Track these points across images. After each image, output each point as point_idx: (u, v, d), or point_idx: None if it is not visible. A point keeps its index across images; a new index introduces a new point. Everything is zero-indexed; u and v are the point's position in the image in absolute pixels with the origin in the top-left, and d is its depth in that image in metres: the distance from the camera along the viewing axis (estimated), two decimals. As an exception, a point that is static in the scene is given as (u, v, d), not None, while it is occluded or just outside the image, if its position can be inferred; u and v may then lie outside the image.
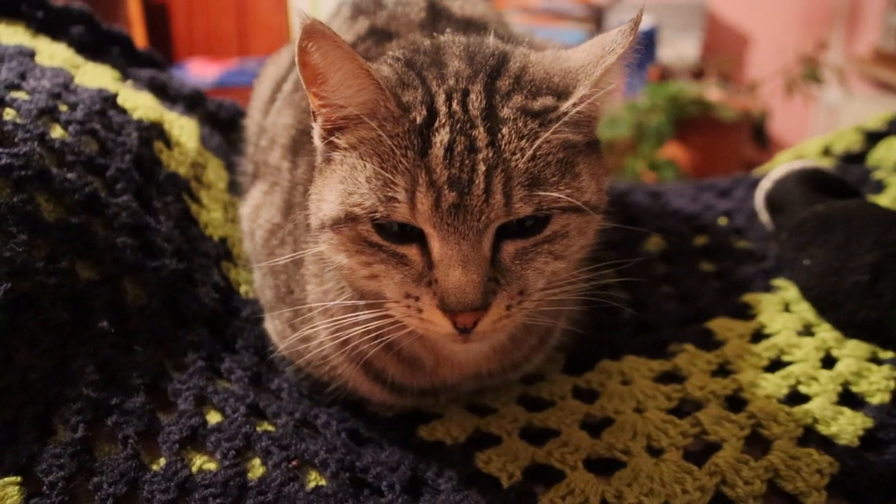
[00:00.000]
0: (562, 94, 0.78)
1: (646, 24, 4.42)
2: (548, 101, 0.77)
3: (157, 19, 5.00)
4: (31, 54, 1.22)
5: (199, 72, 4.37)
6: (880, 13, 4.20)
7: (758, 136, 4.12)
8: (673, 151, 3.75)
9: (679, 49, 4.65)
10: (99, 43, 1.48)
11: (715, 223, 1.43)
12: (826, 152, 1.57)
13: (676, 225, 1.41)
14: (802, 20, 4.47)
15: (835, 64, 3.88)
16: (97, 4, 1.57)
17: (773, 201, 1.29)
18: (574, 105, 0.76)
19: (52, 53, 1.27)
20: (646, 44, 4.43)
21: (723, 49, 4.61)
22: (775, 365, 1.00)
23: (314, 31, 0.72)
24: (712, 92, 3.93)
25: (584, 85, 0.76)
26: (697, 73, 4.41)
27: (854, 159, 1.52)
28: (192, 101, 1.54)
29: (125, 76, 1.41)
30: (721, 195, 1.55)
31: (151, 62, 1.60)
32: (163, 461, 0.83)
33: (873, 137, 1.52)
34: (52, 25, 1.40)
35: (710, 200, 1.52)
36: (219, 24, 5.21)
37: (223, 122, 1.58)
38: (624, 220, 1.38)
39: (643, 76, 4.21)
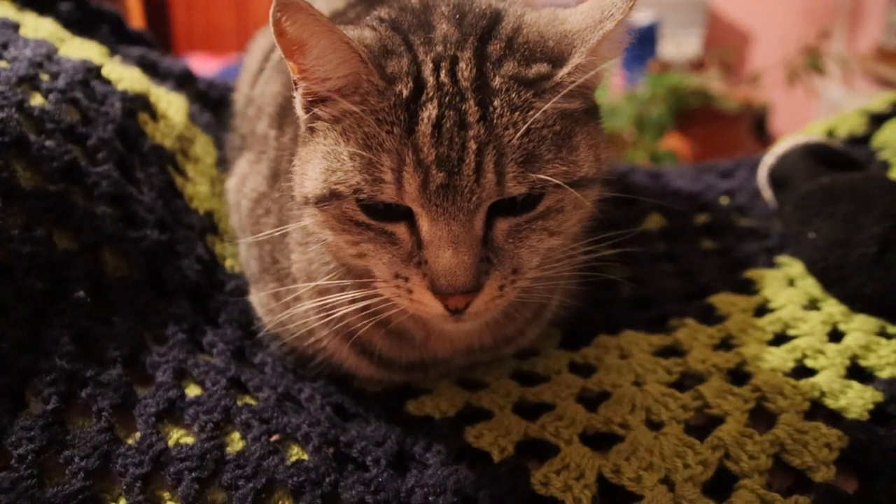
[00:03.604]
0: (556, 60, 0.73)
1: (647, 19, 4.40)
2: (542, 67, 0.72)
3: (157, 14, 4.99)
4: (15, 27, 1.18)
5: (198, 66, 4.34)
6: (882, 10, 4.17)
7: (759, 131, 4.09)
8: (673, 143, 3.71)
9: (680, 45, 4.63)
10: (88, 20, 1.45)
11: (716, 202, 1.39)
12: (829, 135, 1.53)
13: (677, 203, 1.37)
14: (804, 17, 4.44)
15: (837, 54, 3.84)
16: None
17: (776, 177, 1.25)
18: (569, 74, 0.71)
19: (38, 27, 1.23)
20: (647, 39, 4.41)
21: (724, 46, 4.58)
22: (780, 339, 0.96)
23: (287, 3, 0.67)
24: (714, 84, 3.90)
25: (579, 52, 0.72)
26: (698, 65, 4.38)
27: (858, 142, 1.48)
28: (182, 79, 1.50)
29: (114, 53, 1.38)
30: (723, 176, 1.52)
31: (142, 41, 1.57)
32: (138, 434, 0.80)
33: (877, 119, 1.48)
34: (40, 1, 1.36)
35: (711, 181, 1.49)
36: (218, 20, 5.20)
37: (213, 101, 1.55)
38: (623, 199, 1.36)
39: (644, 71, 4.18)
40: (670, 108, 3.50)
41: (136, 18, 4.35)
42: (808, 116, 4.36)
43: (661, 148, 3.55)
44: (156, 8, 4.96)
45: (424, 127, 0.69)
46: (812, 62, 3.53)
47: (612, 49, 0.74)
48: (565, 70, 0.72)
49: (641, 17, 4.39)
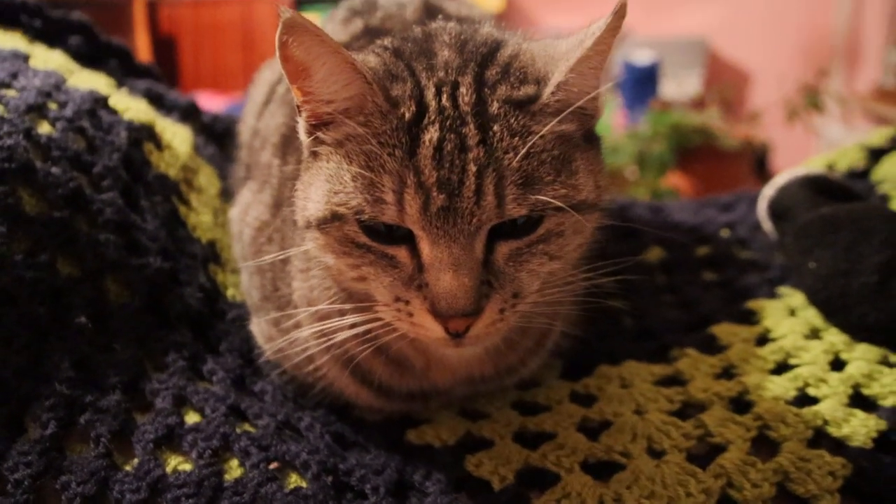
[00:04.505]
0: (541, 80, 0.75)
1: (648, 59, 4.46)
2: (529, 89, 0.74)
3: (165, 53, 5.08)
4: (25, 58, 1.21)
5: (205, 104, 4.39)
6: (879, 50, 4.23)
7: (760, 169, 4.11)
8: (675, 181, 3.73)
9: (681, 85, 4.68)
10: (97, 54, 1.47)
11: (717, 234, 1.40)
12: (829, 170, 1.54)
13: (678, 236, 1.38)
14: (803, 58, 4.50)
15: (836, 92, 3.89)
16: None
17: (776, 208, 1.25)
18: (552, 93, 0.73)
19: (47, 59, 1.26)
20: (648, 79, 4.47)
21: (724, 83, 4.63)
22: (782, 368, 0.96)
23: (294, 25, 0.68)
24: (714, 123, 3.93)
25: (560, 71, 0.73)
26: (699, 104, 4.42)
27: (858, 176, 1.49)
28: (188, 112, 1.52)
29: (121, 85, 1.40)
30: (723, 209, 1.52)
31: (149, 74, 1.59)
32: (136, 461, 0.79)
33: (876, 154, 1.49)
34: (51, 35, 1.39)
35: (711, 214, 1.49)
36: (225, 59, 5.28)
37: (218, 134, 1.57)
38: (623, 232, 1.36)
39: (645, 110, 4.23)
40: (671, 146, 3.52)
41: (144, 56, 4.42)
42: (809, 155, 4.38)
43: (663, 186, 3.56)
44: (164, 46, 5.05)
45: (426, 149, 0.70)
46: (811, 100, 3.57)
47: (594, 67, 0.74)
48: (548, 89, 0.73)
49: (642, 58, 4.46)
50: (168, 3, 5.20)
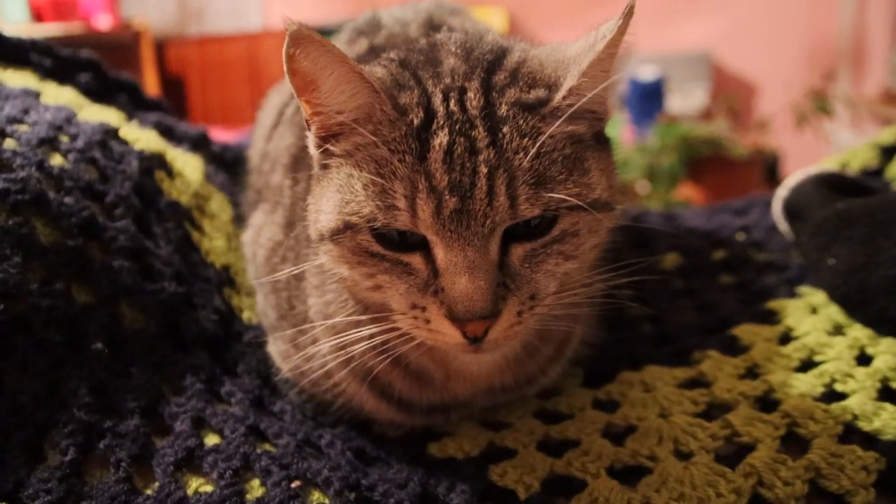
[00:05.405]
0: (553, 85, 0.75)
1: (653, 75, 4.48)
2: (540, 93, 0.74)
3: (174, 91, 5.16)
4: (37, 95, 1.23)
5: (214, 139, 4.44)
6: (885, 53, 4.23)
7: (771, 176, 4.10)
8: (687, 192, 3.73)
9: (686, 98, 4.69)
10: (106, 89, 1.49)
11: (733, 238, 1.38)
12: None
13: (693, 241, 1.37)
14: (808, 64, 4.50)
15: (844, 95, 3.88)
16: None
17: (791, 208, 1.24)
18: (564, 98, 0.73)
19: (58, 95, 1.27)
20: (654, 94, 4.48)
21: (730, 93, 4.63)
22: (807, 365, 0.94)
23: (301, 37, 0.69)
24: (723, 132, 3.93)
25: (572, 75, 0.73)
26: (705, 115, 4.43)
27: (872, 175, 1.48)
28: (198, 142, 1.54)
29: (131, 118, 1.42)
30: (737, 214, 1.51)
31: (158, 108, 1.61)
32: (156, 484, 0.79)
33: (889, 152, 1.48)
34: (61, 72, 1.41)
35: (726, 219, 1.48)
36: (233, 94, 5.35)
37: (229, 163, 1.58)
38: (639, 241, 1.35)
39: (652, 125, 4.23)
40: (681, 158, 3.52)
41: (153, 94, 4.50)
42: (819, 161, 4.36)
43: (675, 198, 3.55)
44: (172, 85, 5.13)
45: (436, 154, 0.70)
46: (819, 104, 3.56)
47: (605, 70, 0.74)
48: (560, 94, 0.73)
49: (647, 74, 4.48)
50: (175, 42, 5.29)
